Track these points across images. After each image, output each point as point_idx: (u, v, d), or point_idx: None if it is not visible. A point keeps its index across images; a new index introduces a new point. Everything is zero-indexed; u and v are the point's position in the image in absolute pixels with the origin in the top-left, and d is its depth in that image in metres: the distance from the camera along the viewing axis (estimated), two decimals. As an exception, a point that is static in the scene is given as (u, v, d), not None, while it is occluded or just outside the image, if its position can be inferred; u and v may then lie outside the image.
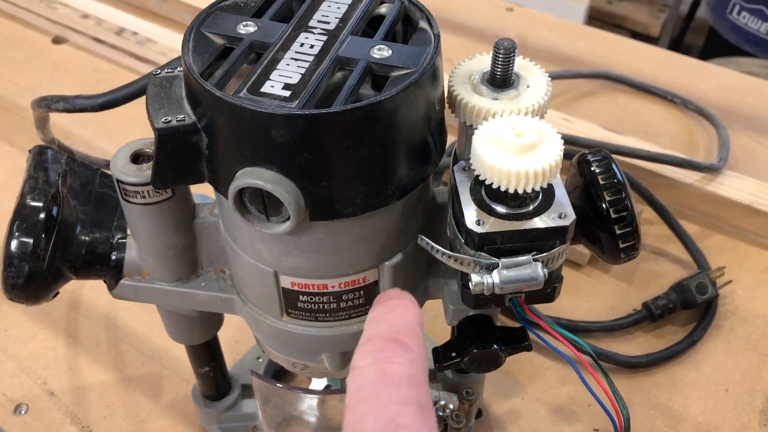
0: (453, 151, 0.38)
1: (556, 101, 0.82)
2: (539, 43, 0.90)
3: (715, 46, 1.70)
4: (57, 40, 0.93)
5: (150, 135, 0.36)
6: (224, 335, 0.54)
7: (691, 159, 0.67)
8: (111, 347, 0.58)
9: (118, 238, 0.40)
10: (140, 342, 0.58)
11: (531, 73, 0.34)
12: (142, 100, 0.45)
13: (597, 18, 1.94)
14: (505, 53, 0.32)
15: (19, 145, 0.78)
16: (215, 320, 0.45)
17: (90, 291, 0.62)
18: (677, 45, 1.94)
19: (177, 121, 0.31)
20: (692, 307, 0.59)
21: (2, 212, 0.70)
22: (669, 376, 0.56)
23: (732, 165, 0.70)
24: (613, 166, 0.37)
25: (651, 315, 0.58)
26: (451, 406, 0.47)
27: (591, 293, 0.62)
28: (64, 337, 0.59)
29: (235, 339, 0.58)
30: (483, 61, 0.35)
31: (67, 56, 0.91)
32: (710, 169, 0.67)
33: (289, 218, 0.30)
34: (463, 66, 0.35)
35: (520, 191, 0.30)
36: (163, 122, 0.31)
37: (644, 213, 0.66)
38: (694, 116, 0.81)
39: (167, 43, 0.85)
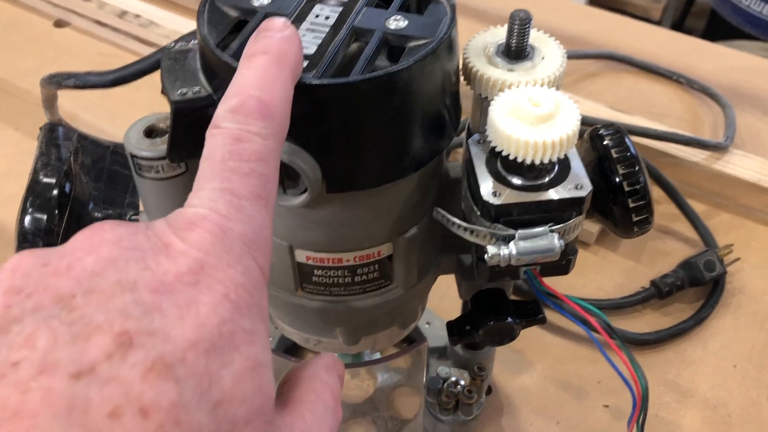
0: (467, 125, 0.38)
1: (561, 82, 0.82)
2: (543, 24, 0.89)
3: (716, 29, 1.69)
4: (59, 24, 0.92)
5: (156, 109, 0.36)
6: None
7: (698, 137, 0.67)
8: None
9: (131, 215, 0.40)
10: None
11: (546, 45, 0.34)
12: (146, 83, 0.45)
13: (598, 2, 1.93)
14: (520, 24, 0.32)
15: (22, 128, 0.78)
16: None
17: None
18: (678, 29, 1.93)
19: (193, 93, 0.31)
20: (700, 285, 0.59)
21: (7, 196, 0.70)
22: (677, 353, 0.56)
23: (738, 144, 0.70)
24: (626, 140, 0.37)
25: (659, 292, 0.58)
26: (462, 382, 0.47)
27: (599, 271, 0.62)
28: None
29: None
30: (497, 34, 0.35)
31: (69, 40, 0.90)
32: (717, 148, 0.67)
33: (305, 190, 0.30)
34: (477, 38, 0.35)
35: (537, 162, 0.30)
36: (179, 95, 0.31)
37: (651, 192, 0.66)
38: (699, 96, 0.80)
39: (170, 26, 0.84)
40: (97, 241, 0.21)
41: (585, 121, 0.67)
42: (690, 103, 0.80)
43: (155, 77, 0.43)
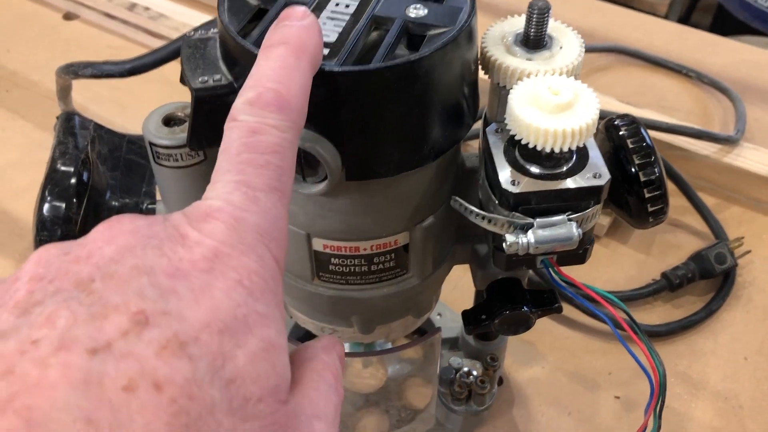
0: (483, 115, 0.38)
1: (570, 75, 0.82)
2: (552, 17, 0.89)
3: (723, 24, 1.68)
4: (68, 16, 0.92)
5: (165, 102, 0.36)
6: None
7: (708, 130, 0.67)
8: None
9: (147, 204, 0.40)
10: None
11: (564, 35, 0.34)
12: (156, 76, 0.45)
13: (604, -3, 1.93)
14: (539, 13, 0.32)
15: (33, 120, 0.78)
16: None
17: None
18: (684, 24, 1.93)
19: (214, 81, 0.31)
20: (711, 277, 0.59)
21: (18, 186, 0.70)
22: (688, 345, 0.56)
23: (748, 137, 0.70)
24: (642, 130, 0.37)
25: (670, 285, 0.58)
26: (475, 373, 0.48)
27: (609, 264, 0.62)
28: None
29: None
30: (515, 23, 0.35)
31: (78, 32, 0.90)
32: (727, 141, 0.67)
33: (325, 178, 0.30)
34: (495, 28, 0.35)
35: (557, 150, 0.30)
36: (200, 83, 0.31)
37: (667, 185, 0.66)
38: (708, 90, 0.80)
39: (179, 18, 0.85)
40: (116, 232, 0.21)
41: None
42: (700, 96, 0.80)
43: (165, 69, 0.43)
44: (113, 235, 0.21)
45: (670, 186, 0.66)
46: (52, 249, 0.21)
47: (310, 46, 0.25)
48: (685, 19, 1.95)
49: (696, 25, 1.97)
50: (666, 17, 1.91)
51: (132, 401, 0.18)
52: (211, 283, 0.20)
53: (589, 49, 0.84)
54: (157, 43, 0.85)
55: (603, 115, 0.69)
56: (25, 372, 0.18)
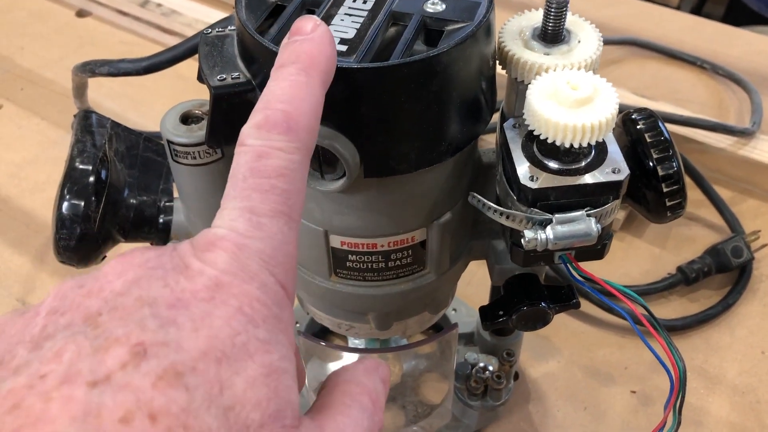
0: (501, 110, 0.38)
1: (583, 68, 0.81)
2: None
3: (737, 15, 1.67)
4: (81, 14, 0.93)
5: (174, 102, 0.36)
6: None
7: (724, 123, 0.66)
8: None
9: (165, 202, 0.40)
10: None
11: (581, 29, 0.34)
12: (169, 73, 0.45)
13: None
14: (557, 7, 0.32)
15: (48, 117, 0.78)
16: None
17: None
18: (697, 14, 1.91)
19: (232, 79, 0.31)
20: (727, 271, 0.59)
21: (35, 184, 0.70)
22: (704, 339, 0.56)
23: (765, 129, 0.70)
24: (659, 124, 0.37)
25: (686, 279, 0.58)
26: (491, 368, 0.48)
27: (624, 258, 0.62)
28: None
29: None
30: (532, 18, 0.35)
31: (91, 29, 0.91)
32: (743, 133, 0.66)
33: (343, 175, 0.30)
34: (512, 22, 0.34)
35: (576, 145, 0.30)
36: (219, 80, 0.31)
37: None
38: (724, 82, 0.80)
39: (191, 14, 0.85)
40: (127, 266, 0.22)
41: (610, 108, 0.67)
42: (715, 88, 0.79)
43: (178, 66, 0.43)
44: (124, 269, 0.22)
45: (686, 179, 0.65)
46: (70, 282, 0.22)
47: (321, 61, 0.25)
48: (697, 10, 1.94)
49: (709, 16, 1.95)
50: (678, 8, 1.90)
51: None
52: (211, 312, 0.21)
53: (603, 42, 0.83)
54: (170, 40, 0.85)
55: (618, 109, 0.69)
56: (30, 406, 0.18)
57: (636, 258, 0.62)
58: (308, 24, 0.26)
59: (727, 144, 0.66)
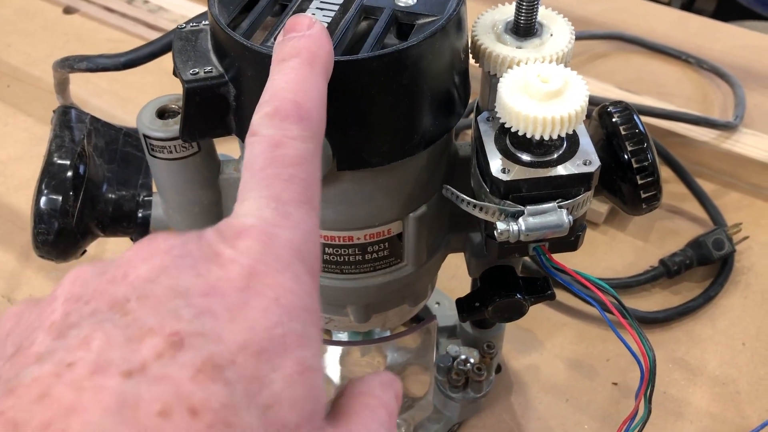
0: (476, 104, 0.38)
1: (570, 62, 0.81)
2: (552, 4, 0.89)
3: (727, 9, 1.68)
4: (68, 10, 0.93)
5: (165, 94, 0.36)
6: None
7: (707, 117, 0.67)
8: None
9: (144, 196, 0.40)
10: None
11: (554, 22, 0.35)
12: (156, 68, 0.45)
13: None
14: (528, 1, 0.32)
15: (35, 115, 0.78)
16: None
17: (112, 254, 0.63)
18: (688, 9, 1.92)
19: (205, 73, 0.31)
20: (709, 263, 0.59)
21: (21, 181, 0.70)
22: (686, 332, 0.56)
23: (748, 123, 0.70)
24: (635, 117, 0.37)
25: (668, 271, 0.58)
26: (472, 360, 0.48)
27: (607, 251, 0.62)
28: (87, 300, 0.60)
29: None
30: (505, 11, 0.35)
31: (78, 26, 0.91)
32: (726, 127, 0.67)
33: (316, 168, 0.30)
34: (485, 16, 0.35)
35: (546, 138, 0.31)
36: (191, 74, 0.31)
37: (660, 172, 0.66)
38: (708, 76, 0.80)
39: (178, 10, 0.85)
40: (151, 251, 0.21)
41: (594, 101, 0.67)
42: (700, 83, 0.80)
43: (164, 62, 0.43)
44: (148, 254, 0.21)
45: (669, 173, 0.66)
46: (88, 268, 0.21)
47: (322, 54, 0.25)
48: (689, 4, 1.94)
49: (700, 10, 1.96)
50: (669, 3, 1.90)
51: (167, 427, 0.17)
52: (247, 302, 0.20)
53: (588, 36, 0.84)
54: (157, 36, 0.85)
55: (601, 103, 0.69)
56: (61, 396, 0.17)
57: (619, 251, 0.62)
58: (304, 21, 0.26)
59: (710, 137, 0.67)
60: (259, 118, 0.24)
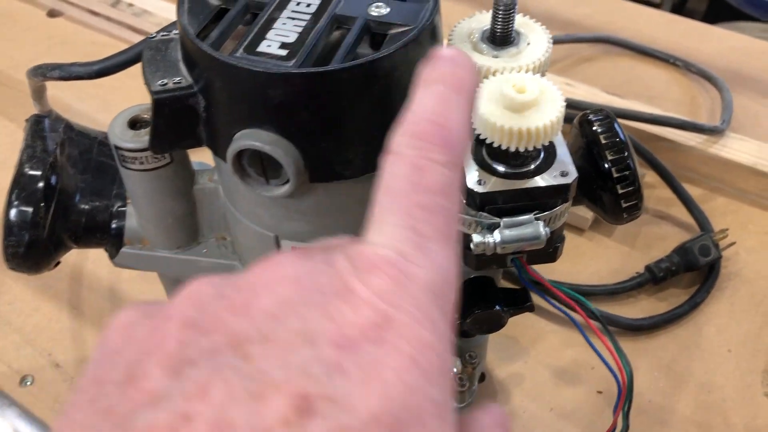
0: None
1: (556, 66, 0.81)
2: (539, 8, 0.89)
3: (718, 10, 1.68)
4: (52, 14, 0.92)
5: (147, 101, 0.36)
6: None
7: (693, 121, 0.66)
8: (115, 318, 0.58)
9: (118, 206, 0.40)
10: (144, 313, 0.58)
11: (531, 31, 0.34)
12: (138, 71, 0.44)
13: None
14: (505, 9, 0.32)
15: (18, 119, 0.77)
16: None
17: (92, 263, 0.62)
18: (680, 10, 1.92)
19: (174, 83, 0.30)
20: (695, 270, 0.59)
21: (4, 186, 0.70)
22: (672, 339, 0.56)
23: (735, 127, 0.70)
24: (615, 126, 0.37)
25: (654, 278, 0.58)
26: (455, 370, 0.47)
27: (593, 257, 0.62)
28: (67, 309, 0.59)
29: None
30: (482, 20, 0.34)
31: (62, 29, 0.90)
32: (713, 131, 0.66)
33: (288, 180, 0.30)
34: (462, 25, 0.34)
35: (521, 149, 0.30)
36: (160, 85, 0.30)
37: (647, 176, 0.66)
38: (696, 79, 0.80)
39: (163, 14, 0.84)
40: (277, 277, 0.19)
41: (580, 106, 0.67)
42: (687, 86, 0.79)
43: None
44: (272, 280, 0.19)
45: (655, 177, 0.65)
46: (206, 287, 0.20)
47: (468, 83, 0.24)
48: (680, 6, 1.94)
49: (691, 11, 1.96)
50: (661, 4, 1.90)
51: None
52: (381, 360, 0.18)
53: (575, 39, 0.83)
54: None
55: (587, 108, 0.68)
56: None
57: (605, 257, 0.62)
58: (449, 51, 0.25)
59: (697, 142, 0.66)
60: (399, 137, 0.22)
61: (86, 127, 0.52)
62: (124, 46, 0.76)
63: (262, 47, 0.29)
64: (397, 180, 0.21)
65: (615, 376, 0.30)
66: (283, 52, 0.28)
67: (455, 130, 0.22)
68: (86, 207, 0.39)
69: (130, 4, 0.85)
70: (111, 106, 0.79)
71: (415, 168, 0.21)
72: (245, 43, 0.29)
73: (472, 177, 0.32)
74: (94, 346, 0.21)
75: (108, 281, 0.61)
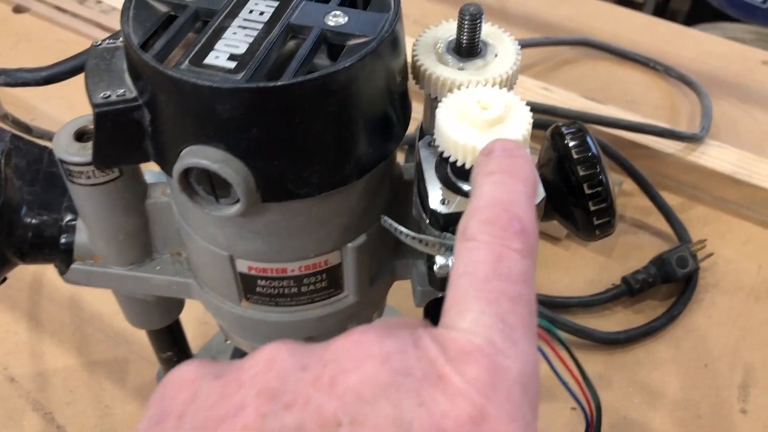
0: (419, 126, 0.36)
1: (535, 69, 0.80)
2: (519, 9, 0.87)
3: (701, 11, 1.67)
4: (18, 9, 0.89)
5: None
6: (191, 316, 0.53)
7: (672, 128, 0.65)
8: (75, 331, 0.56)
9: (68, 220, 0.38)
10: (105, 325, 0.56)
11: (500, 42, 0.32)
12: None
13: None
14: (471, 19, 0.30)
15: (-22, 120, 0.75)
16: (175, 304, 0.43)
17: (53, 273, 0.59)
18: (662, 11, 1.92)
19: (117, 96, 0.28)
20: (672, 281, 0.58)
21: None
22: (648, 353, 0.55)
23: (714, 134, 0.69)
24: (588, 139, 0.35)
25: (630, 290, 0.57)
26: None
27: (569, 267, 0.60)
28: (26, 320, 0.57)
29: (203, 320, 0.56)
30: (449, 29, 0.33)
31: (28, 26, 0.87)
32: (692, 139, 0.65)
33: (239, 200, 0.28)
34: (428, 34, 0.33)
35: (487, 168, 0.28)
36: (102, 97, 0.28)
37: (624, 184, 0.65)
38: (676, 84, 0.79)
39: (133, 11, 0.81)
40: (363, 354, 0.19)
41: (557, 113, 0.65)
42: (667, 91, 0.78)
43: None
44: (359, 357, 0.19)
45: (633, 186, 0.64)
46: (285, 355, 0.19)
47: (530, 174, 0.24)
48: (663, 6, 1.94)
49: (674, 12, 1.96)
50: (644, 3, 1.89)
51: None
52: None
53: (555, 42, 0.82)
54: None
55: (564, 114, 0.67)
56: None
57: (581, 268, 0.60)
58: (508, 143, 0.25)
59: (676, 149, 0.65)
60: (476, 223, 0.22)
61: (49, 132, 0.50)
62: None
63: (210, 59, 0.27)
64: (479, 266, 0.21)
65: (582, 406, 0.29)
66: (232, 65, 0.26)
67: (528, 220, 0.22)
68: (33, 221, 0.37)
69: (99, 1, 0.83)
70: (77, 108, 0.76)
71: (497, 255, 0.21)
72: (191, 54, 0.27)
73: (436, 196, 0.30)
74: (151, 401, 0.20)
75: (69, 292, 0.58)
